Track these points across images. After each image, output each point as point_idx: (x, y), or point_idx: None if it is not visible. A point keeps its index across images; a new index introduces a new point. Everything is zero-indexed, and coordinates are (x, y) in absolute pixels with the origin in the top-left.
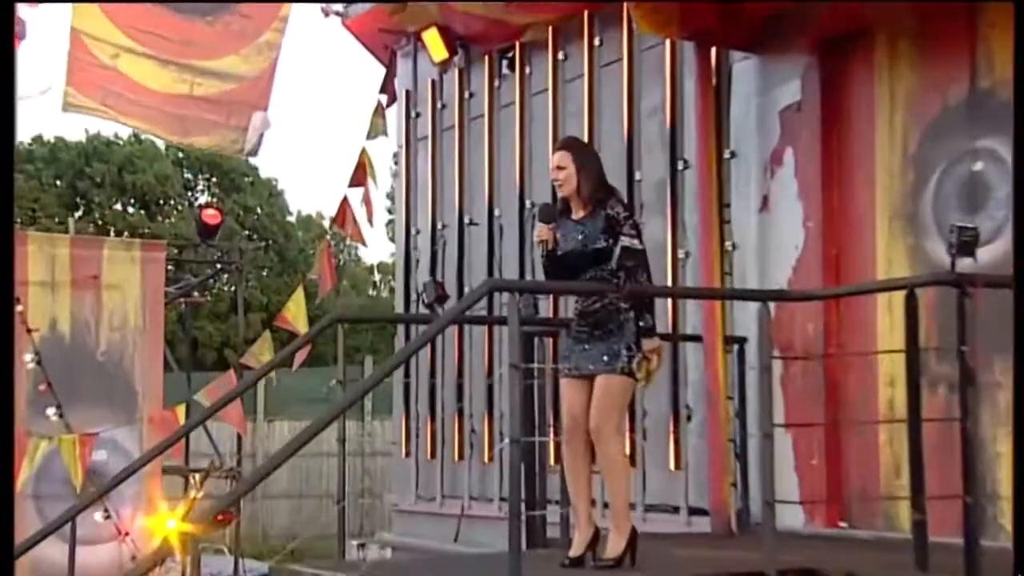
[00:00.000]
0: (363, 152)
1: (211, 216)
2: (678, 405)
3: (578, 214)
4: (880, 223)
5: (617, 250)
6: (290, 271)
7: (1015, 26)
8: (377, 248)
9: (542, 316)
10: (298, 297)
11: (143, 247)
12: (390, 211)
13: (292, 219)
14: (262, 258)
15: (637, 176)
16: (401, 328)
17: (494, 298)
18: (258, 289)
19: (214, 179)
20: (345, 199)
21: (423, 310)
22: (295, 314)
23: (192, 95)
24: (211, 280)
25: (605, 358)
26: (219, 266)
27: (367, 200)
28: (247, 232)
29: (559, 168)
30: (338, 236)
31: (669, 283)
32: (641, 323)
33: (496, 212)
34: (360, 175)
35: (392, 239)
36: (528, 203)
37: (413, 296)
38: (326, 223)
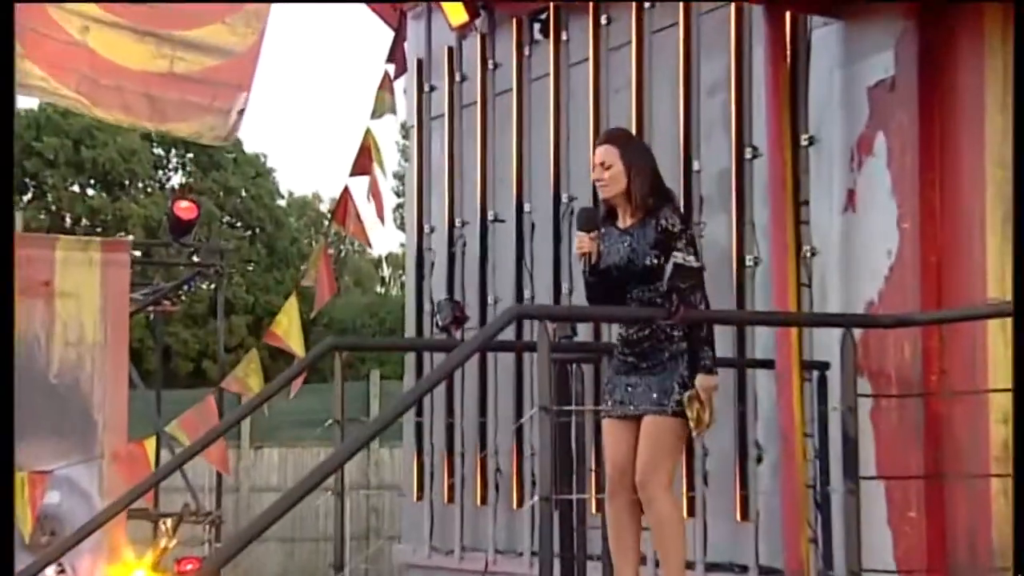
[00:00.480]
0: (367, 134)
1: (185, 210)
2: (746, 443)
3: (625, 222)
4: (991, 224)
5: (669, 267)
6: (281, 265)
7: (1015, 26)
8: (385, 237)
9: (580, 340)
10: (291, 308)
11: (104, 247)
12: (398, 194)
13: (283, 203)
14: (247, 250)
15: (695, 166)
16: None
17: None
18: (243, 287)
19: (189, 155)
20: (346, 191)
21: (438, 332)
22: (287, 329)
23: (173, 73)
24: (186, 286)
25: (655, 395)
26: (196, 270)
27: (375, 192)
28: (229, 218)
29: (603, 166)
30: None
31: (734, 296)
32: (698, 356)
33: (526, 207)
34: (364, 162)
35: (402, 227)
36: (564, 197)
37: (427, 306)
38: (324, 207)
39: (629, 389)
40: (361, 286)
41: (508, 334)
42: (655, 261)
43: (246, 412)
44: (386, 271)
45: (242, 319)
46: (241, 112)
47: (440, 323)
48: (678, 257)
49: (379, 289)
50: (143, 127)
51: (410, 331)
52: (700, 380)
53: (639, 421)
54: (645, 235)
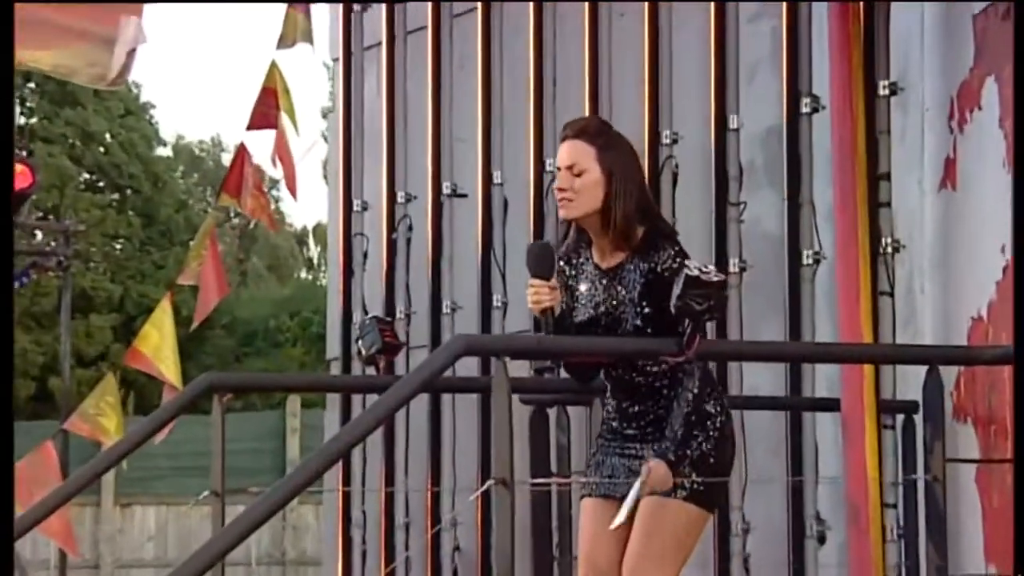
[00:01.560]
0: (272, 70)
1: (15, 176)
2: (802, 516)
3: (606, 259)
4: None
5: (678, 281)
6: (162, 241)
7: (1015, 26)
8: (312, 203)
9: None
10: (162, 317)
11: None
12: (326, 138)
13: (166, 152)
14: (114, 220)
15: (731, 122)
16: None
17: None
18: (106, 274)
19: (30, 84)
20: (241, 151)
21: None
22: (158, 346)
23: None
24: (16, 283)
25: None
26: (31, 260)
27: (282, 154)
28: (88, 176)
29: (572, 170)
30: (228, 208)
31: (785, 306)
32: (669, 429)
33: (495, 177)
34: (266, 109)
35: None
36: (549, 163)
37: (357, 315)
38: (227, 159)
39: (624, 463)
40: (276, 271)
41: (469, 365)
42: (647, 316)
43: (98, 471)
44: (312, 250)
45: (105, 319)
46: (133, 51)
47: (363, 353)
48: (691, 267)
49: (303, 274)
50: None
51: (334, 350)
52: (654, 464)
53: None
54: (633, 279)
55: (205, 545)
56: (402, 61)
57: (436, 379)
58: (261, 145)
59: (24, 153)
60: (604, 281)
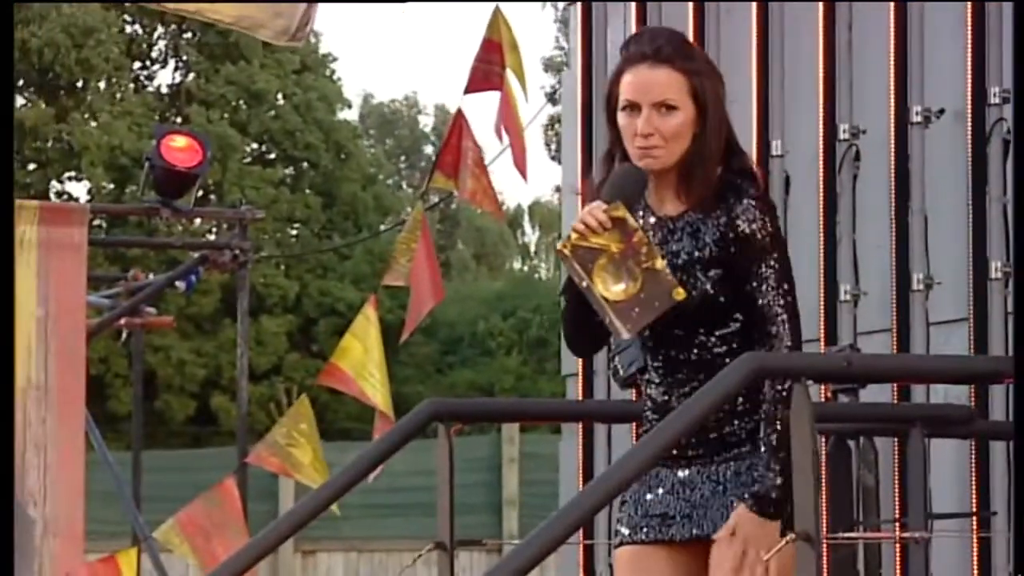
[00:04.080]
0: (496, 18)
1: (182, 152)
2: None
3: (665, 206)
4: None
5: None
6: (346, 226)
7: (1015, 26)
8: (530, 177)
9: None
10: (363, 328)
11: (44, 217)
12: (555, 99)
13: (351, 115)
14: (288, 201)
15: None
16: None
17: None
18: (279, 267)
19: (186, 35)
20: (458, 119)
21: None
22: (361, 362)
23: None
24: (183, 282)
25: (731, 493)
26: (201, 254)
27: (509, 122)
28: (256, 146)
29: (660, 108)
30: (442, 191)
31: None
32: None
33: (774, 147)
34: (488, 67)
35: (557, 157)
36: (842, 128)
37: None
38: (426, 123)
39: (672, 496)
40: (487, 262)
41: None
42: (717, 289)
43: (304, 518)
44: (529, 234)
45: (280, 322)
46: None
47: (620, 374)
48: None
49: (517, 265)
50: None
51: (570, 364)
52: (744, 516)
53: (692, 553)
54: (711, 237)
55: None
56: (656, 9)
57: (727, 403)
58: (478, 111)
59: (179, 120)
60: (663, 234)
